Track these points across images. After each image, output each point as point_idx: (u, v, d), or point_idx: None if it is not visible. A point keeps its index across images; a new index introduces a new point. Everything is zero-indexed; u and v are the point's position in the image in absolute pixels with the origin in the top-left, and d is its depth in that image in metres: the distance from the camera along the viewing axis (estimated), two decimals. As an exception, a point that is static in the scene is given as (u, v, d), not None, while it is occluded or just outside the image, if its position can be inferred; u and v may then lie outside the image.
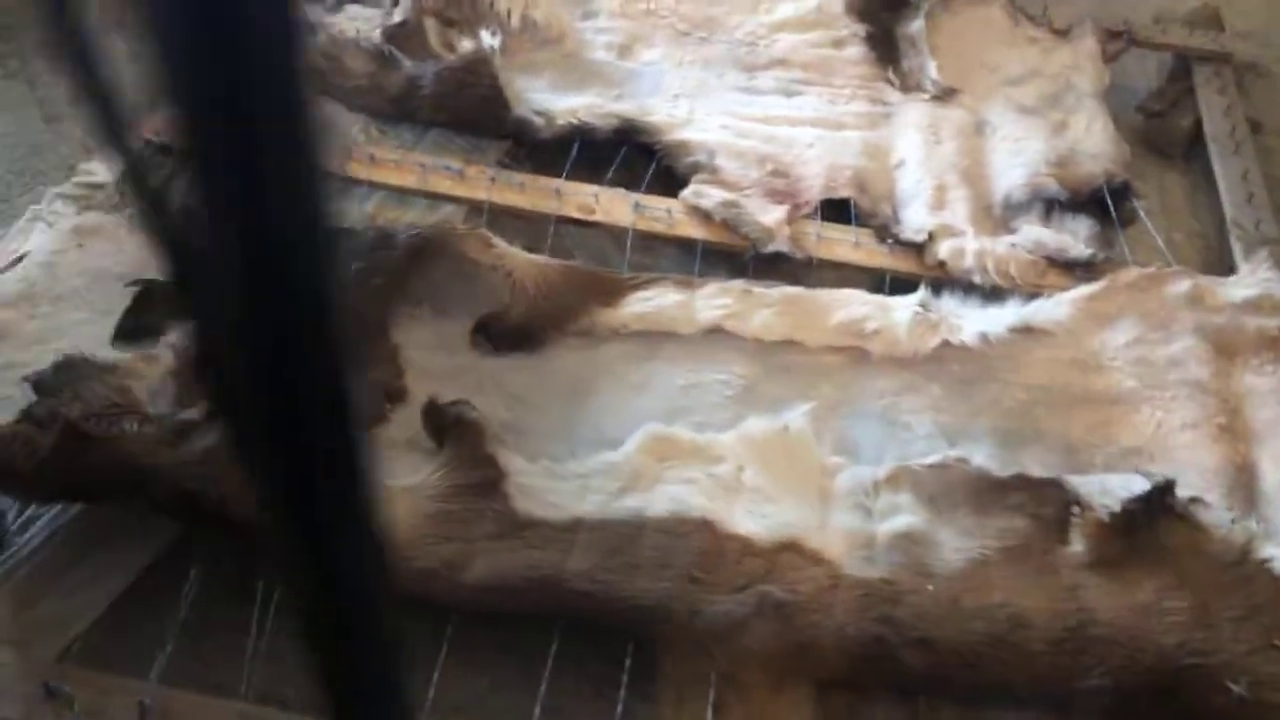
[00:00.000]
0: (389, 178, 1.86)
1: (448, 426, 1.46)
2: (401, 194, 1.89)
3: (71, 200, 1.95)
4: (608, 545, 1.34)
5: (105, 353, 1.49)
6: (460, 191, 1.85)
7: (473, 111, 1.93)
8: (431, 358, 1.60)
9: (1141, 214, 1.97)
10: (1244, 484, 1.52)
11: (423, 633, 1.31)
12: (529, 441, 1.52)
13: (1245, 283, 1.77)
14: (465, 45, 2.11)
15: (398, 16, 2.10)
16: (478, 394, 1.56)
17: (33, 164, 2.17)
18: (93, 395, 1.34)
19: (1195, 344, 1.66)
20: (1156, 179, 2.17)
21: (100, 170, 2.02)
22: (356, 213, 1.91)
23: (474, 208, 1.88)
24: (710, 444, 1.47)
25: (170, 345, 1.46)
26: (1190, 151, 2.22)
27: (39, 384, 1.37)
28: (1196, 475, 1.51)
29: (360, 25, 2.17)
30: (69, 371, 1.38)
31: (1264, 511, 1.48)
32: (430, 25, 2.13)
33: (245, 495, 1.19)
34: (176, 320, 1.54)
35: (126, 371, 1.43)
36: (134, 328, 1.53)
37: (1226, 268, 1.96)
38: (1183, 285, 1.73)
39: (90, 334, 1.53)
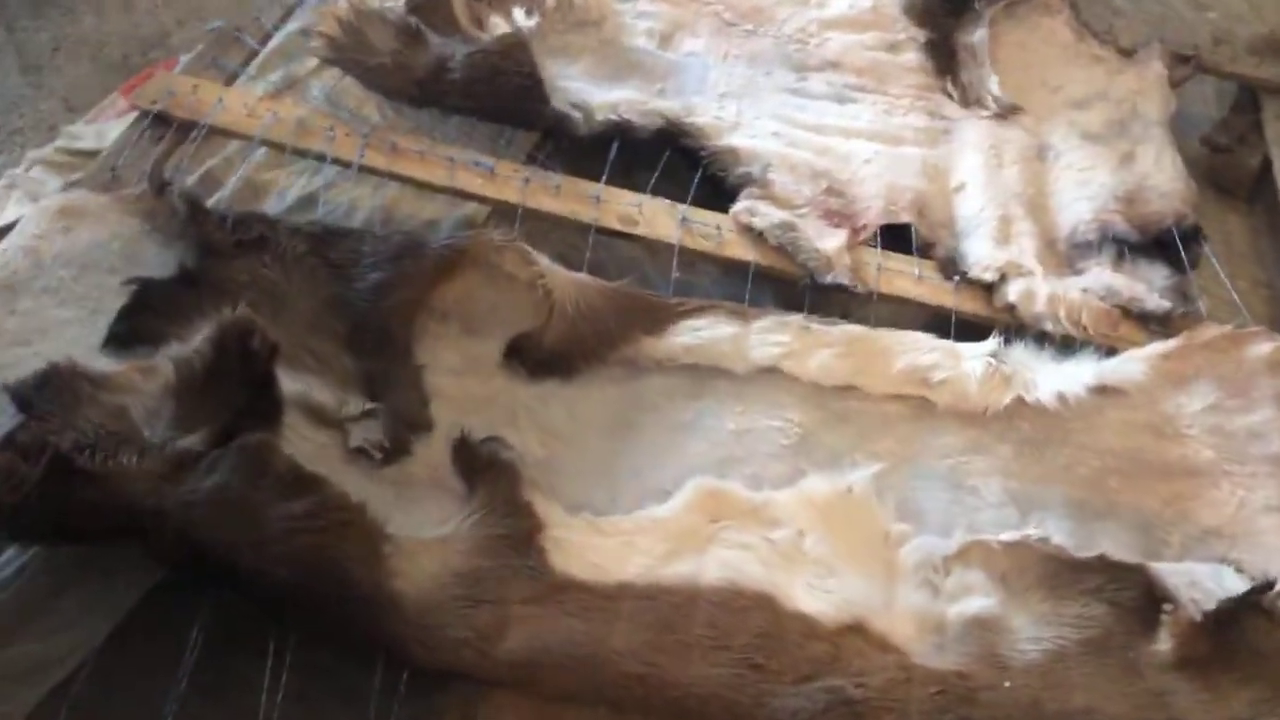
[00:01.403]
0: (412, 170, 1.69)
1: (480, 468, 1.31)
2: (422, 187, 1.72)
3: (54, 168, 1.77)
4: (657, 619, 1.20)
5: (96, 361, 1.31)
6: (490, 192, 1.69)
7: (506, 102, 1.76)
8: (459, 383, 1.45)
9: (1210, 258, 1.85)
10: (1329, 576, 1.41)
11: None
12: (566, 483, 1.38)
13: (1326, 348, 1.66)
14: (496, 23, 1.93)
15: (424, -14, 1.91)
16: (510, 427, 1.42)
17: (9, 120, 1.96)
18: (85, 420, 1.18)
19: (1276, 414, 1.55)
20: (1218, 219, 2.05)
21: (87, 134, 1.84)
22: (371, 204, 1.75)
23: (500, 208, 1.72)
24: (767, 504, 1.34)
25: (171, 357, 1.28)
26: (1255, 191, 2.11)
27: (22, 400, 1.20)
28: (1282, 564, 1.40)
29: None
30: (57, 387, 1.21)
31: (1352, 607, 1.38)
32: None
33: (257, 543, 1.04)
34: (178, 326, 1.37)
35: (121, 385, 1.27)
36: (129, 333, 1.36)
37: (1293, 325, 1.86)
38: (1264, 348, 1.61)
39: (78, 336, 1.36)
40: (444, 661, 1.16)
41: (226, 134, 1.72)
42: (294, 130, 1.68)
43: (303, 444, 1.33)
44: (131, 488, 1.13)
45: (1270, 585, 1.28)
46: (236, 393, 1.22)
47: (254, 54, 1.90)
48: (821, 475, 1.38)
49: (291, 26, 2.01)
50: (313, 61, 1.93)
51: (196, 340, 1.25)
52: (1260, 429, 1.54)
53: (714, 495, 1.33)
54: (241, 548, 1.13)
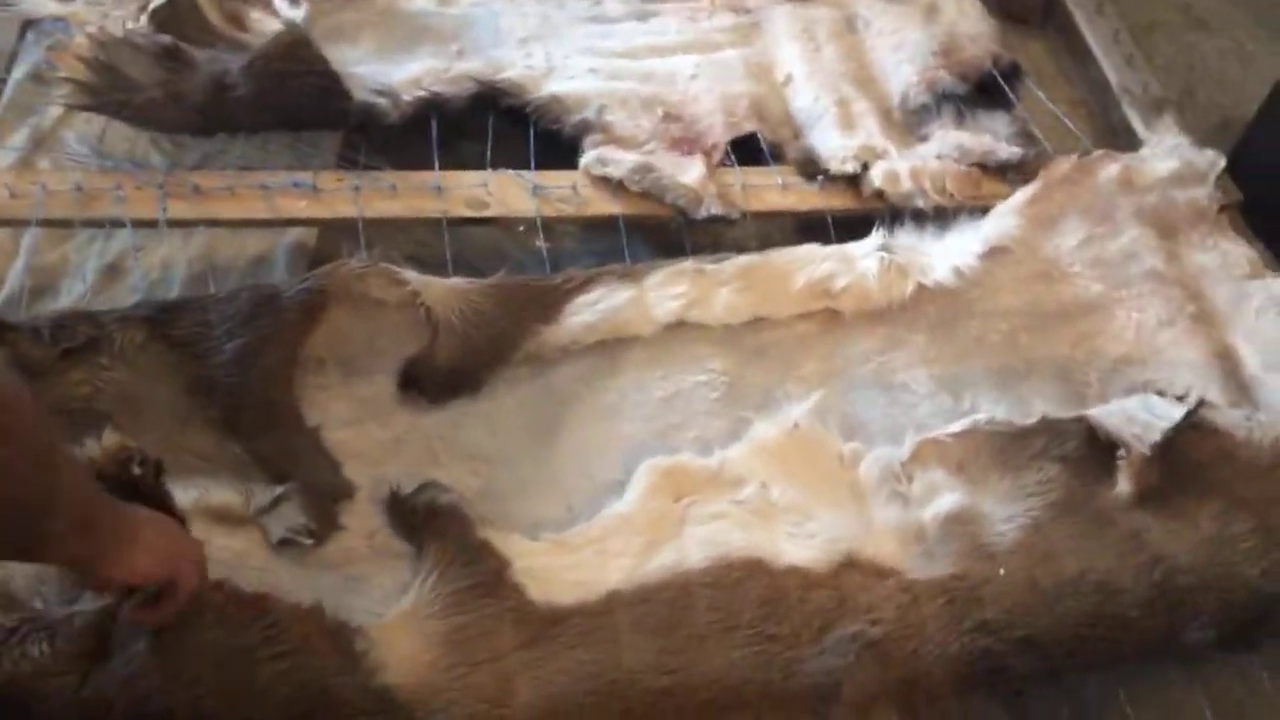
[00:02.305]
0: (226, 210, 1.50)
1: (422, 522, 1.20)
2: (242, 225, 1.54)
3: None
4: (660, 621, 1.15)
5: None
6: (320, 211, 1.52)
7: (306, 107, 1.58)
8: (361, 433, 1.31)
9: (1033, 89, 1.89)
10: (1229, 371, 1.50)
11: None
12: (514, 507, 1.29)
13: (1161, 153, 1.74)
14: (258, 19, 1.73)
15: (160, -6, 1.68)
16: (433, 466, 1.31)
17: None
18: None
19: (1140, 232, 1.62)
20: (1021, 49, 2.09)
21: None
22: (186, 256, 1.55)
23: (332, 225, 1.56)
24: (723, 465, 1.29)
25: None
26: (1045, 14, 2.17)
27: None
28: (1190, 373, 1.48)
29: (112, 11, 1.72)
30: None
31: (1256, 396, 1.48)
32: (205, -2, 1.72)
33: (223, 693, 0.92)
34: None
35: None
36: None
37: (1115, 136, 1.94)
38: (1112, 170, 1.67)
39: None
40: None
41: (-7, 224, 1.48)
42: (75, 200, 1.46)
43: (220, 554, 1.18)
44: (58, 684, 0.97)
45: (1201, 403, 1.34)
46: None
47: (-13, 118, 1.63)
48: (765, 420, 1.34)
49: (18, 74, 1.73)
50: (56, 109, 1.68)
51: None
52: (1131, 249, 1.60)
53: (669, 473, 1.27)
54: (207, 700, 1.00)
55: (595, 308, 1.41)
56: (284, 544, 1.19)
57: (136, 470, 1.04)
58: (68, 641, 1.00)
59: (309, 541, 1.19)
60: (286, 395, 1.29)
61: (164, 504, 1.04)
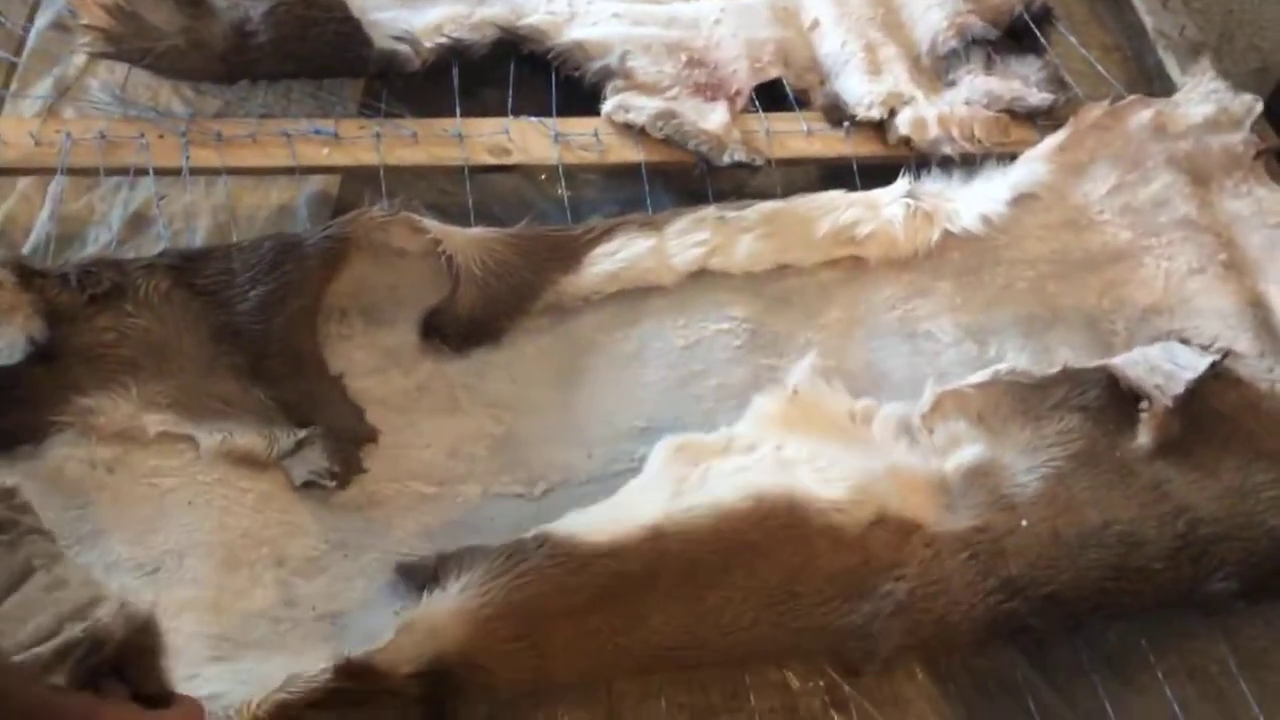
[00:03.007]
0: (248, 158, 1.50)
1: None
2: (264, 173, 1.54)
3: None
4: (688, 586, 1.13)
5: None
6: (341, 159, 1.52)
7: (327, 54, 1.57)
8: (384, 382, 1.32)
9: (1065, 34, 1.85)
10: (1261, 319, 1.47)
11: None
12: (533, 454, 1.30)
13: (1196, 98, 1.69)
14: (278, -35, 1.71)
15: (180, -59, 1.66)
16: (455, 412, 1.32)
17: None
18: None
19: (1173, 178, 1.58)
20: (1052, -8, 2.04)
21: None
22: (210, 205, 1.56)
23: (354, 173, 1.56)
24: (733, 439, 1.26)
25: None
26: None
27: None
28: (1220, 322, 1.45)
29: (134, -42, 1.72)
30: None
31: (1287, 345, 1.45)
32: (225, -55, 1.71)
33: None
34: (51, 412, 1.20)
35: None
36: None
37: (1149, 81, 1.89)
38: (1144, 115, 1.63)
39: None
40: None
41: (19, 173, 1.48)
42: (99, 149, 1.46)
43: (243, 497, 1.20)
44: None
45: (1227, 354, 1.32)
46: None
47: (11, 68, 1.64)
48: (763, 393, 1.30)
49: (41, 23, 1.73)
50: (80, 57, 1.68)
51: None
52: (1162, 196, 1.57)
53: (683, 449, 1.24)
54: None
55: (616, 257, 1.40)
56: (307, 486, 1.21)
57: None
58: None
59: (331, 484, 1.21)
60: (310, 342, 1.30)
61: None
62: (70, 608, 0.78)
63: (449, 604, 1.07)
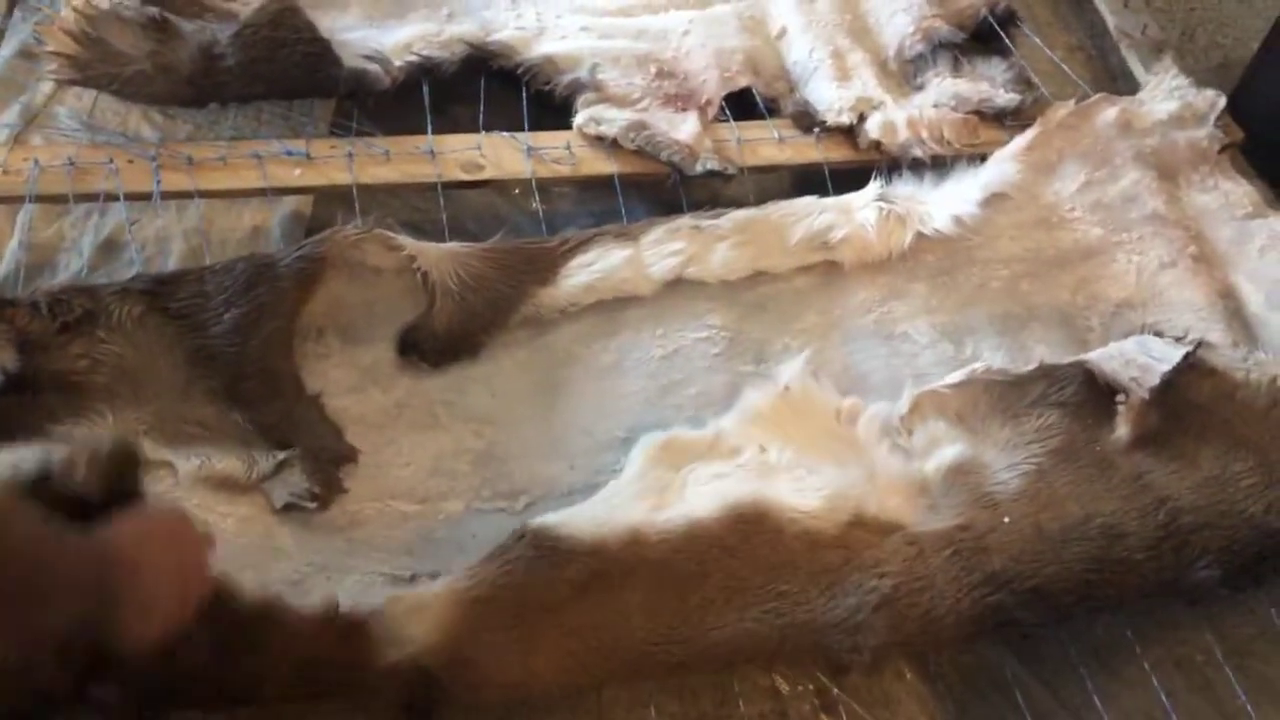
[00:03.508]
0: (220, 181, 1.49)
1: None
2: (237, 196, 1.54)
3: None
4: (669, 589, 1.14)
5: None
6: (314, 179, 1.51)
7: (296, 75, 1.56)
8: (363, 400, 1.32)
9: (1029, 35, 1.87)
10: (1232, 311, 1.49)
11: None
12: (515, 468, 1.29)
13: (1160, 95, 1.72)
14: (243, -13, 1.71)
15: (147, -34, 1.66)
16: (434, 428, 1.31)
17: None
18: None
19: (1141, 174, 1.60)
20: (1015, -6, 2.06)
21: None
22: (183, 228, 1.55)
23: (327, 193, 1.55)
24: (719, 435, 1.27)
25: None
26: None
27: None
28: (1192, 315, 1.47)
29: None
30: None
31: (1259, 335, 1.47)
32: (191, -31, 1.71)
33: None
34: (24, 439, 1.18)
35: None
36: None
37: (1114, 80, 1.91)
38: (1110, 113, 1.65)
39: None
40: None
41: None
42: (69, 175, 1.45)
43: (224, 522, 1.19)
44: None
45: (1199, 344, 1.34)
46: None
47: (-22, 98, 1.63)
48: (755, 387, 1.32)
49: (7, 51, 1.72)
50: (47, 84, 1.67)
51: None
52: (1131, 192, 1.59)
53: (666, 447, 1.25)
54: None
55: (592, 268, 1.40)
56: (288, 509, 1.20)
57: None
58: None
59: (312, 505, 1.20)
60: (286, 363, 1.29)
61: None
62: None
63: (435, 586, 1.08)
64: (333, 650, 1.04)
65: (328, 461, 1.24)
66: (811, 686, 1.23)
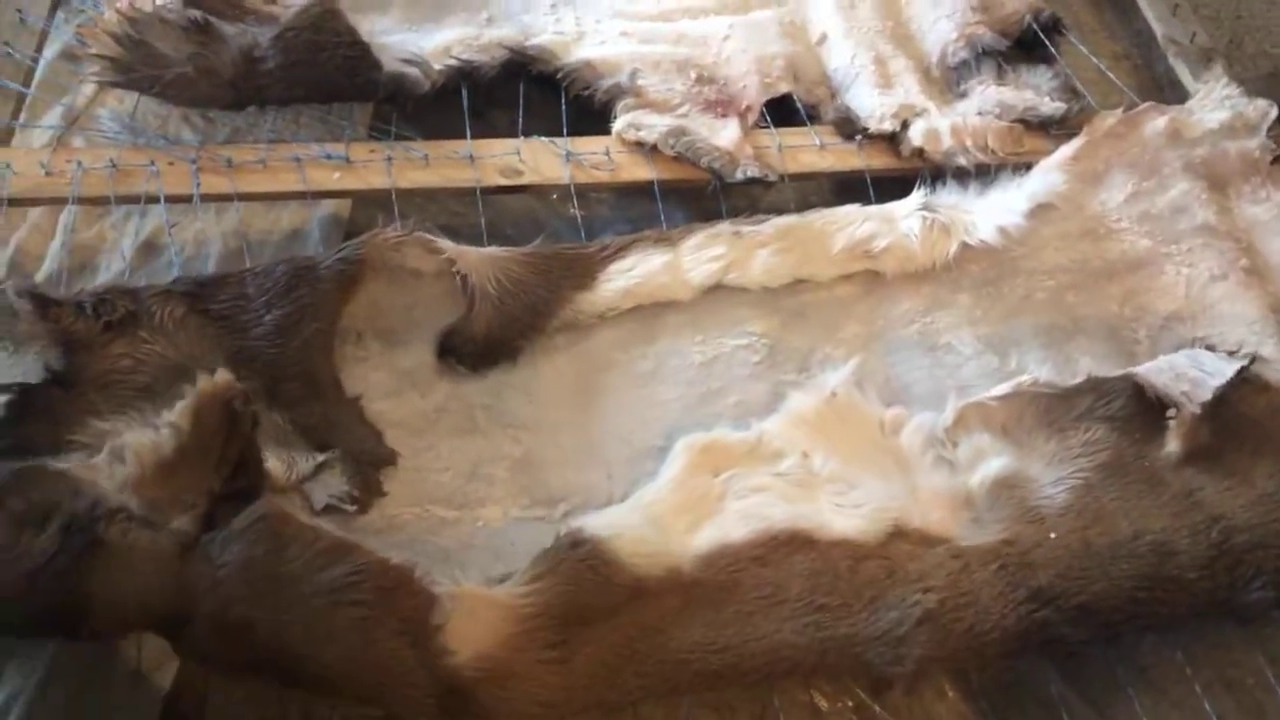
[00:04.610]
0: (259, 184, 1.49)
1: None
2: (276, 199, 1.54)
3: None
4: (706, 601, 1.12)
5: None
6: (353, 183, 1.51)
7: (336, 79, 1.56)
8: (402, 404, 1.31)
9: (1075, 43, 1.84)
10: (1284, 324, 1.46)
11: None
12: (553, 475, 1.28)
13: (1210, 105, 1.68)
14: (285, -9, 1.71)
15: (190, -31, 1.67)
16: (473, 433, 1.30)
17: None
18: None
19: (1190, 185, 1.57)
20: (1060, 3, 2.02)
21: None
22: (221, 230, 1.55)
23: (365, 196, 1.55)
24: (761, 438, 1.26)
25: (130, 445, 1.12)
26: (1087, -35, 2.11)
27: None
28: (1244, 328, 1.44)
29: (141, -13, 1.72)
30: (32, 478, 1.06)
31: (1313, 350, 1.43)
32: (233, -29, 1.71)
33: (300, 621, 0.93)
34: (70, 431, 1.19)
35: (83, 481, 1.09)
36: (14, 448, 1.15)
37: (1160, 89, 1.89)
38: (1159, 123, 1.62)
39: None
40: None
41: (31, 203, 1.48)
42: (110, 177, 1.45)
43: (262, 525, 1.18)
44: (156, 566, 1.00)
45: (1254, 359, 1.31)
46: (213, 470, 1.09)
47: (21, 99, 1.63)
48: (801, 390, 1.31)
49: (50, 53, 1.73)
50: (89, 87, 1.68)
51: (163, 420, 1.11)
52: (1181, 202, 1.56)
53: (707, 449, 1.24)
54: (286, 628, 1.00)
55: (631, 273, 1.39)
56: (327, 511, 1.19)
57: (239, 408, 1.07)
58: (165, 539, 1.02)
59: (352, 508, 1.19)
60: (327, 365, 1.28)
61: (251, 451, 1.10)
62: None
63: (494, 592, 1.07)
64: (404, 601, 1.04)
65: (367, 464, 1.24)
66: (851, 703, 1.21)
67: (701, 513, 1.19)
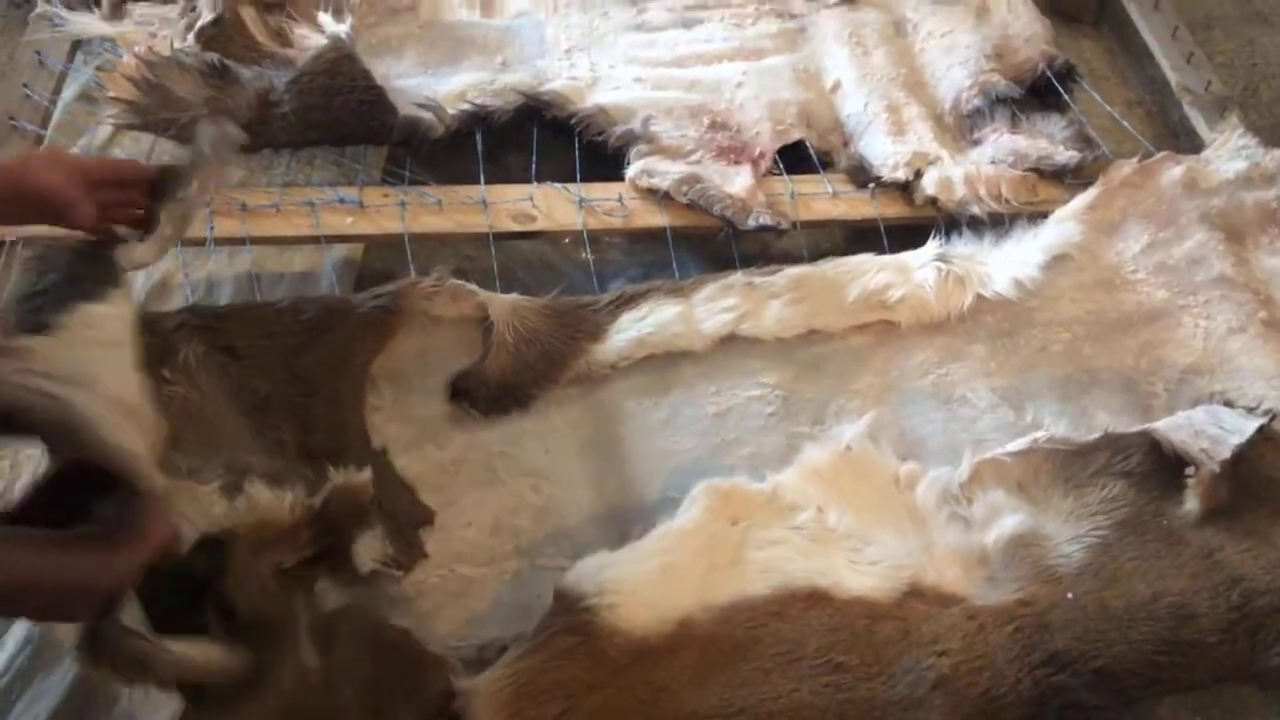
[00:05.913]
0: (273, 228, 1.49)
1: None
2: (290, 243, 1.54)
3: None
4: (722, 658, 1.10)
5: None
6: (366, 228, 1.51)
7: (351, 123, 1.56)
8: (420, 459, 1.29)
9: (1088, 91, 1.84)
10: (1304, 380, 1.44)
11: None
12: (574, 529, 1.26)
13: (1226, 154, 1.68)
14: (303, 35, 1.72)
15: (207, 14, 1.68)
16: (493, 484, 1.29)
17: None
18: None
19: (1207, 236, 1.56)
20: (1074, 49, 2.04)
21: None
22: (233, 272, 1.55)
23: (377, 240, 1.55)
24: (776, 490, 1.24)
25: None
26: (1100, 13, 2.11)
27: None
28: (1263, 383, 1.42)
29: (159, 31, 1.73)
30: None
31: (1332, 406, 1.42)
32: (249, 15, 1.72)
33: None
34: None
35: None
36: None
37: (1175, 137, 1.88)
38: (1175, 172, 1.62)
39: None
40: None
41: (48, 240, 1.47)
42: (125, 220, 1.45)
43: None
44: None
45: (1271, 415, 1.29)
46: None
47: (39, 140, 1.64)
48: (815, 443, 1.30)
49: (68, 95, 1.74)
50: (106, 129, 1.69)
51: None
52: (1197, 254, 1.55)
53: (726, 496, 1.22)
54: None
55: (644, 322, 1.38)
56: (371, 576, 1.14)
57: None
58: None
59: (400, 574, 1.16)
60: (357, 418, 1.27)
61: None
62: None
63: (480, 679, 1.05)
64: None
65: (406, 525, 1.21)
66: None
67: (718, 558, 1.17)
